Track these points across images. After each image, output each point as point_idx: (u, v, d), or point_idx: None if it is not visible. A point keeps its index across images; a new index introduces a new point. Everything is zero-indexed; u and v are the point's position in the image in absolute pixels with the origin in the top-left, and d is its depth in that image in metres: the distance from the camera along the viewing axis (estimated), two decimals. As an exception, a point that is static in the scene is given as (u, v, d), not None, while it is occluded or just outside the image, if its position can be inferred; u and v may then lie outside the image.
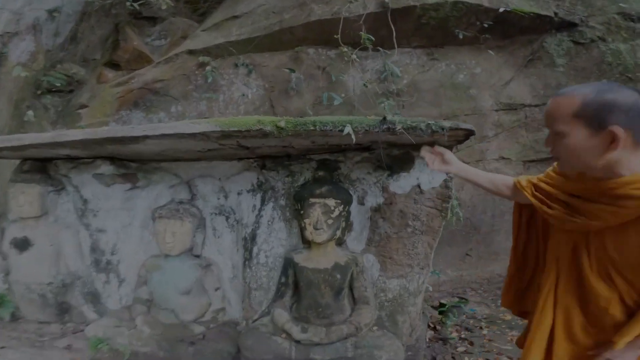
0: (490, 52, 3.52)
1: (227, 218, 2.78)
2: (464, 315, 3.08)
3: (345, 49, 3.03)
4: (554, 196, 1.29)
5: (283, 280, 2.49)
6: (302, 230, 2.44)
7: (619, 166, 1.04)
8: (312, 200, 2.32)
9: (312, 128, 1.95)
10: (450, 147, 2.39)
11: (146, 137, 2.11)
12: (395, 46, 3.16)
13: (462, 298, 3.35)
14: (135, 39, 4.37)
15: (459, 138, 2.14)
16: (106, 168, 2.82)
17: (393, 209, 2.49)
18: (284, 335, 2.28)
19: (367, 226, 2.55)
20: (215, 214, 2.79)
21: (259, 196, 2.67)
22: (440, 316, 2.94)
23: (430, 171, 2.44)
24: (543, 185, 1.36)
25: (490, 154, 3.95)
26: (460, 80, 3.83)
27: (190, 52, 3.70)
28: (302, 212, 2.37)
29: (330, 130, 1.96)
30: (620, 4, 3.76)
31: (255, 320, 2.51)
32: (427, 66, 3.77)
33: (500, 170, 3.96)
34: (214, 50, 3.62)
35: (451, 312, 2.94)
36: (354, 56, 2.93)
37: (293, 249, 2.55)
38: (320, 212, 2.30)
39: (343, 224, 2.43)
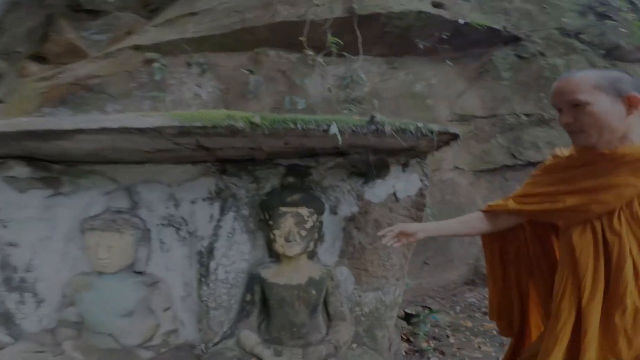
0: (449, 63, 3.57)
1: (178, 230, 2.43)
2: (428, 324, 3.02)
3: (310, 52, 2.85)
4: (562, 189, 1.28)
5: (248, 298, 2.20)
6: (270, 242, 2.19)
7: (631, 133, 1.17)
8: (283, 209, 2.09)
9: (292, 126, 1.74)
10: (430, 152, 2.33)
11: (79, 131, 1.73)
12: (361, 52, 3.06)
13: (427, 307, 3.29)
14: (70, 32, 3.82)
15: (441, 143, 2.06)
16: (21, 170, 2.32)
17: (368, 218, 2.34)
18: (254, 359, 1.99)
19: (340, 237, 2.36)
20: (163, 225, 2.43)
21: (217, 205, 2.37)
22: (410, 327, 2.83)
23: (406, 179, 2.34)
24: (534, 190, 1.39)
25: (446, 164, 4.00)
26: (418, 90, 3.85)
27: (137, 48, 3.30)
28: (270, 222, 2.13)
29: (314, 129, 1.76)
30: (562, 19, 4.03)
31: (217, 343, 2.19)
32: (387, 75, 3.74)
33: (454, 179, 4.01)
34: (165, 46, 3.27)
35: (423, 323, 2.85)
36: (319, 59, 2.77)
37: (259, 264, 2.28)
38: (293, 222, 2.07)
39: (316, 235, 2.22)
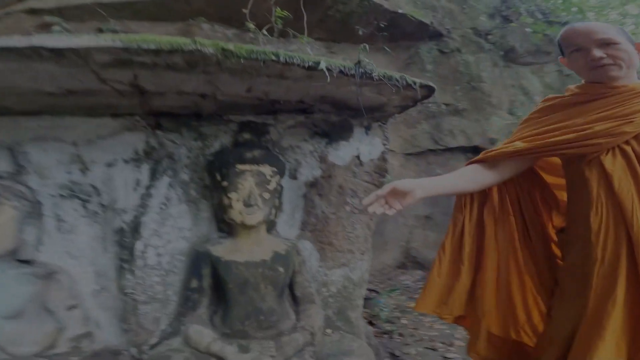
0: (387, 49, 3.54)
1: (86, 202, 1.83)
2: (385, 307, 2.86)
3: (252, 25, 2.50)
4: (585, 119, 1.25)
5: (194, 284, 1.72)
6: (222, 210, 1.74)
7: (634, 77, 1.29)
8: (242, 167, 1.68)
9: (272, 58, 1.37)
10: (394, 113, 2.15)
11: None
12: (306, 33, 2.81)
13: (374, 290, 3.12)
14: None
15: (417, 98, 1.88)
16: None
17: (332, 183, 2.05)
18: (209, 362, 1.52)
19: (301, 206, 2.02)
20: (63, 196, 1.81)
21: (145, 168, 1.83)
22: (366, 309, 2.61)
23: (369, 142, 2.13)
24: (542, 128, 1.33)
25: (379, 146, 3.94)
26: (353, 74, 3.72)
27: (32, 12, 2.47)
28: (224, 183, 1.69)
29: (298, 64, 1.41)
30: (476, 20, 4.34)
31: (155, 345, 1.65)
32: (325, 57, 3.53)
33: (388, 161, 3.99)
34: (73, 11, 2.52)
35: (375, 306, 2.65)
36: (263, 33, 2.45)
37: (204, 240, 1.81)
38: (253, 182, 1.68)
39: (277, 202, 1.84)
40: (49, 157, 1.79)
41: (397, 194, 1.19)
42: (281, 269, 1.72)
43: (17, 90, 1.45)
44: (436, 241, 4.42)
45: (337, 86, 1.63)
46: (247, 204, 1.65)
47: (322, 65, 1.44)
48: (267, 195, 1.72)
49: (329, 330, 1.79)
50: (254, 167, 1.69)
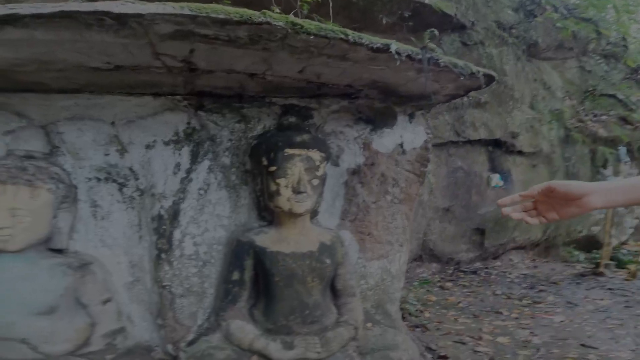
0: (414, 40, 3.51)
1: (122, 187, 1.74)
2: (414, 301, 2.81)
3: (278, 10, 2.43)
4: None
5: (236, 276, 1.64)
6: (268, 197, 1.66)
7: None
8: (290, 151, 1.60)
9: (341, 37, 1.28)
10: (447, 100, 2.10)
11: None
12: (331, 19, 2.75)
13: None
14: None
15: (478, 85, 1.80)
16: None
17: (374, 171, 1.98)
18: (254, 358, 1.45)
19: (342, 194, 1.96)
20: (99, 179, 1.72)
21: (186, 150, 1.74)
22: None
23: (412, 130, 2.07)
24: None
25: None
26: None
27: None
28: (272, 168, 1.61)
29: (367, 45, 1.33)
30: (500, 13, 4.27)
31: (193, 341, 1.58)
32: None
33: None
34: None
35: (403, 299, 2.60)
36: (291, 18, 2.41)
37: (246, 229, 1.73)
38: (303, 168, 1.60)
39: (322, 190, 1.77)
40: (85, 137, 1.70)
41: (555, 197, 0.87)
42: (328, 261, 1.65)
43: (59, 64, 1.35)
44: (454, 234, 4.37)
45: (395, 71, 1.56)
46: (297, 191, 1.57)
47: (393, 48, 1.37)
48: (315, 182, 1.64)
49: (369, 324, 1.73)
50: (303, 152, 1.61)
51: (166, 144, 1.73)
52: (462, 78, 1.59)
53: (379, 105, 1.98)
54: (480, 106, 4.48)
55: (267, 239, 1.65)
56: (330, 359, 1.49)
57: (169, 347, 1.61)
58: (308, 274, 1.59)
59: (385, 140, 2.00)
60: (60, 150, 1.67)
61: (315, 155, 1.64)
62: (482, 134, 4.23)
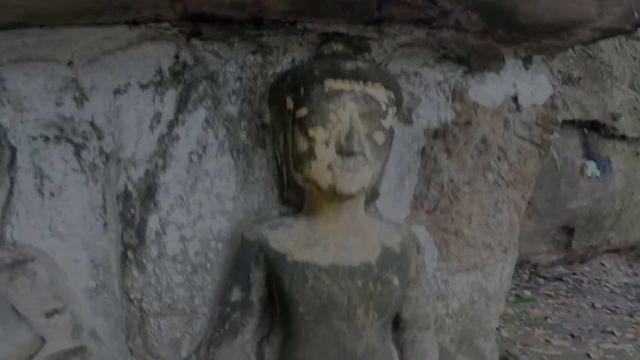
0: None
1: (81, 148, 1.17)
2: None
3: None
4: None
5: (236, 297, 1.00)
6: (295, 163, 0.99)
7: None
8: (335, 84, 0.91)
9: None
10: (593, 40, 1.30)
11: None
12: None
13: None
14: None
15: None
16: None
17: (471, 134, 1.25)
18: None
19: (416, 169, 1.25)
20: (47, 138, 1.16)
21: (172, 95, 1.12)
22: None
23: (530, 79, 1.34)
24: None
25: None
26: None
27: None
28: (301, 112, 0.93)
29: None
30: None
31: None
32: None
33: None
34: None
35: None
36: None
37: (258, 220, 1.07)
38: (357, 113, 0.90)
39: (387, 155, 1.06)
40: (33, 84, 1.14)
41: None
42: (395, 281, 0.95)
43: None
44: (534, 232, 3.58)
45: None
46: (346, 151, 0.88)
47: None
48: (380, 138, 0.94)
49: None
50: (358, 87, 0.92)
51: (143, 87, 1.11)
52: None
53: (474, 42, 1.22)
54: (572, 82, 3.74)
55: (290, 239, 0.97)
56: None
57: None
58: (359, 304, 0.91)
59: (489, 89, 1.26)
60: (-6, 98, 1.12)
61: (380, 93, 0.94)
62: (576, 114, 3.53)
